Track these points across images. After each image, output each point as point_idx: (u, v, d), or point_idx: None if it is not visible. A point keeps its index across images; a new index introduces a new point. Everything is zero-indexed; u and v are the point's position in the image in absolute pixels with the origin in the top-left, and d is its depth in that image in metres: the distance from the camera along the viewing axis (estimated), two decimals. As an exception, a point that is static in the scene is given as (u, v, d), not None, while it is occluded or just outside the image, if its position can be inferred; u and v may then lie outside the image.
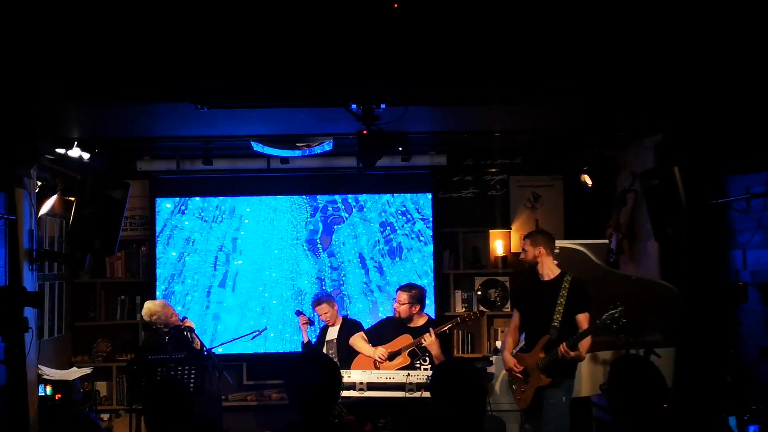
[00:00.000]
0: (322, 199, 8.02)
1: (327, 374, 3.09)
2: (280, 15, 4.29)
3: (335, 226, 8.02)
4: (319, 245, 8.00)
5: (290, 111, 5.52)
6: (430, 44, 4.45)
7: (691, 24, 4.37)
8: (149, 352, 6.33)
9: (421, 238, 8.02)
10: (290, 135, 6.56)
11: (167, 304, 6.77)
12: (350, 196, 8.03)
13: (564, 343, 5.05)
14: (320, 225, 8.02)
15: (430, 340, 5.78)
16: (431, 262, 8.00)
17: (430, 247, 8.00)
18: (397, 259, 8.01)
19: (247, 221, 7.99)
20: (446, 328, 5.91)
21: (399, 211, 8.03)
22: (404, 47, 4.43)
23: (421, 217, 8.03)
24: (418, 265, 8.00)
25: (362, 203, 8.05)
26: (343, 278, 8.00)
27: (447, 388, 2.96)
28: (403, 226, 8.02)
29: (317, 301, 6.74)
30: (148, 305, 6.71)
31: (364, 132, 5.04)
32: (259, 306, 7.94)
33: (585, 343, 5.14)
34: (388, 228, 8.03)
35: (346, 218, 8.02)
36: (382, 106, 4.91)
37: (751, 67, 4.54)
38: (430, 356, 5.84)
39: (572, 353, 5.05)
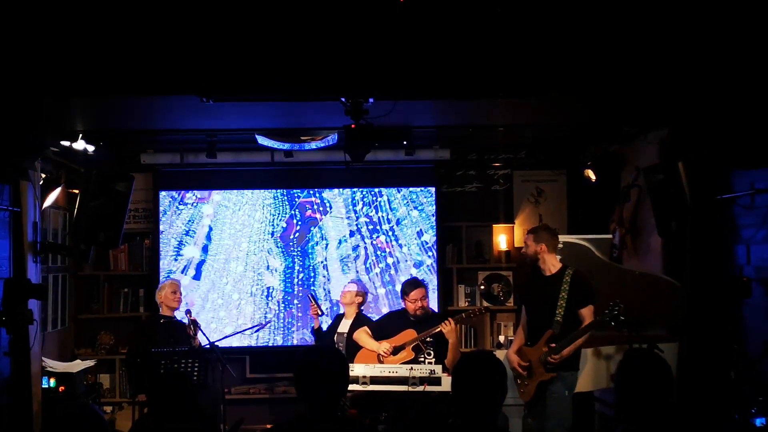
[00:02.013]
0: (301, 194, 7.92)
1: (336, 367, 3.08)
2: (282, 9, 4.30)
3: (312, 227, 7.94)
4: (293, 242, 7.92)
5: (294, 104, 5.51)
6: (431, 38, 4.44)
7: (696, 19, 4.36)
8: (147, 342, 6.31)
9: (393, 245, 7.95)
10: (295, 129, 6.55)
11: (175, 283, 6.75)
12: (339, 190, 7.93)
13: (551, 355, 5.16)
14: (297, 221, 7.93)
15: (449, 328, 5.77)
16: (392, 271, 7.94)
17: (400, 253, 7.94)
18: (372, 261, 7.95)
19: (215, 212, 7.92)
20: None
21: (380, 212, 7.96)
22: (402, 40, 4.41)
23: (399, 218, 7.96)
24: (385, 270, 7.95)
25: (351, 200, 7.95)
26: (312, 278, 7.91)
27: (469, 377, 2.96)
28: (378, 229, 7.95)
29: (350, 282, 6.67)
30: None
31: (352, 126, 5.03)
32: (221, 298, 7.86)
33: (570, 348, 5.22)
34: (367, 228, 7.95)
35: (322, 218, 7.93)
36: (371, 100, 4.89)
37: (755, 62, 4.53)
38: (435, 350, 5.84)
39: (555, 359, 5.16)
